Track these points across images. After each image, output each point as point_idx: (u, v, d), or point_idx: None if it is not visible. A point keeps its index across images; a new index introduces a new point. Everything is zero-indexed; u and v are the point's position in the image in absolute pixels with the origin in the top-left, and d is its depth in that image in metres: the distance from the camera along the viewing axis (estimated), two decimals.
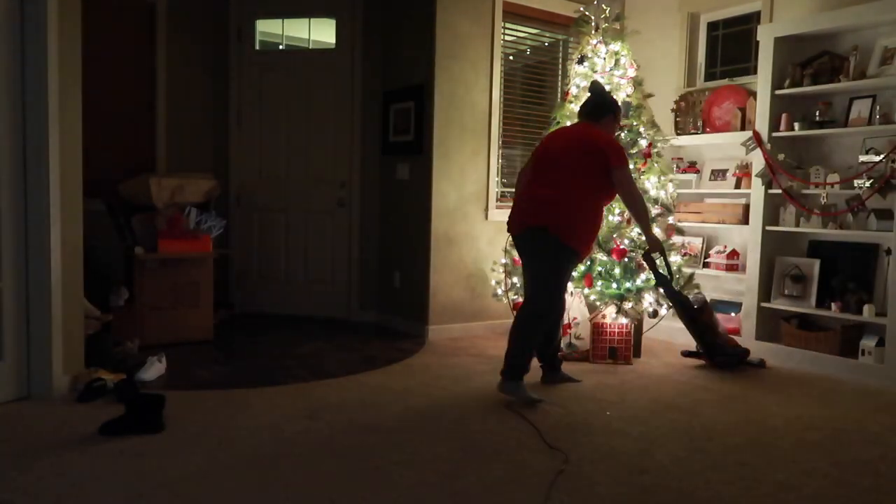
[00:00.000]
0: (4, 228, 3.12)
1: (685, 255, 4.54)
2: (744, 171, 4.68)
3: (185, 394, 3.36)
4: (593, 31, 4.47)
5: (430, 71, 4.78)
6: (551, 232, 3.34)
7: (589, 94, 3.75)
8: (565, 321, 4.34)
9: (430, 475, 2.48)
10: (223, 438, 2.78)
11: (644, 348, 4.51)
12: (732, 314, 4.66)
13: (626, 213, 4.19)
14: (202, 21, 5.34)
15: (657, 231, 4.23)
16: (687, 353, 4.31)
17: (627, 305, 4.15)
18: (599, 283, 4.17)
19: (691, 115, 5.09)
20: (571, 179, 3.42)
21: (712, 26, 5.22)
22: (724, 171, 4.90)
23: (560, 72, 5.51)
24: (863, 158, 4.04)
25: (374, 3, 5.26)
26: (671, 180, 4.44)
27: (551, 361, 3.76)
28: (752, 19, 4.90)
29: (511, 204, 3.80)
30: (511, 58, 5.31)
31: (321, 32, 5.65)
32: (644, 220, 3.51)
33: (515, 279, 4.47)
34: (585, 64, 4.44)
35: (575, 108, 4.42)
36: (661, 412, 3.27)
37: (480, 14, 4.92)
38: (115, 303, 4.24)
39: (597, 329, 4.23)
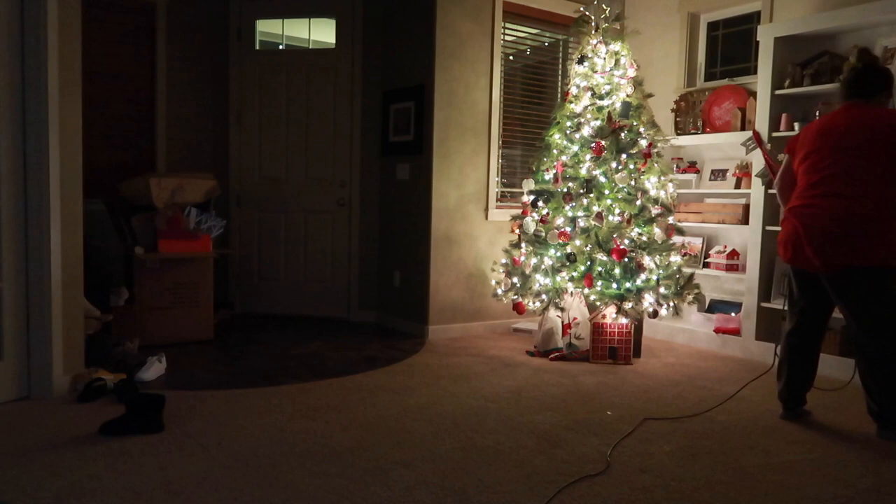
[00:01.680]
0: (4, 228, 3.12)
1: (685, 255, 4.54)
2: (744, 171, 4.68)
3: (185, 394, 3.36)
4: (593, 31, 4.47)
5: (430, 71, 4.78)
6: (883, 265, 2.88)
7: (855, 65, 3.08)
8: (565, 321, 4.35)
9: (430, 475, 2.48)
10: (223, 438, 2.78)
11: (644, 348, 4.51)
12: (732, 314, 4.66)
13: (627, 213, 4.19)
14: (202, 21, 5.34)
15: (657, 231, 4.23)
16: None
17: (627, 305, 4.15)
18: (599, 283, 4.17)
19: (691, 115, 5.09)
20: (881, 181, 2.89)
21: (712, 26, 5.22)
22: (724, 171, 4.90)
23: (560, 72, 5.51)
24: None
25: (374, 3, 5.26)
26: (671, 180, 4.44)
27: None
28: (752, 19, 4.90)
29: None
30: (511, 58, 5.31)
31: (321, 32, 5.65)
32: None
33: (515, 279, 4.47)
34: (585, 64, 4.44)
35: (575, 108, 4.43)
36: (661, 412, 3.27)
37: (480, 14, 4.93)
38: (115, 303, 4.24)
39: (597, 329, 4.23)
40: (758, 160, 4.45)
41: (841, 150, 2.96)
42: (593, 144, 4.27)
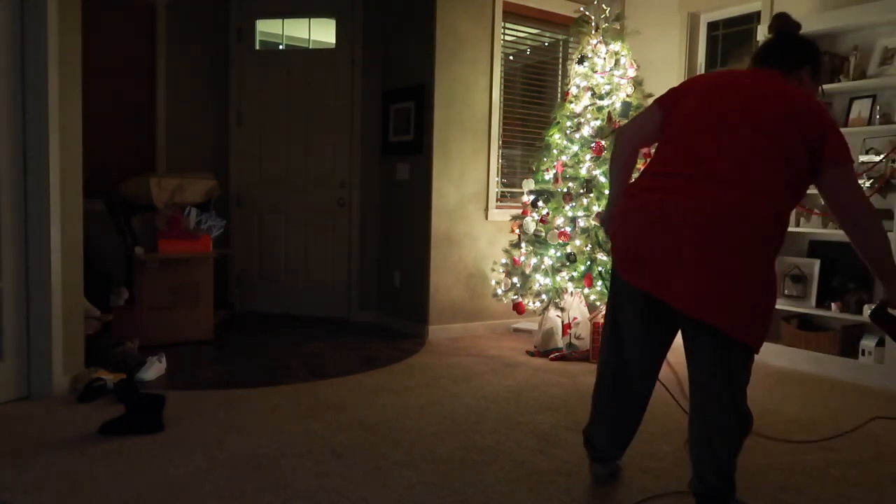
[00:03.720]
0: (4, 228, 3.12)
1: None
2: None
3: (185, 394, 3.36)
4: (593, 31, 4.47)
5: (430, 71, 4.78)
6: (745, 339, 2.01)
7: (771, 32, 2.33)
8: (565, 321, 4.35)
9: (430, 475, 2.48)
10: (223, 438, 2.78)
11: None
12: None
13: None
14: (202, 21, 5.34)
15: None
16: None
17: None
18: (599, 283, 4.17)
19: None
20: (772, 178, 2.01)
21: (712, 26, 5.22)
22: None
23: (560, 72, 5.51)
24: (863, 158, 4.03)
25: (374, 3, 5.26)
26: None
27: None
28: (752, 19, 4.90)
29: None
30: (511, 58, 5.31)
31: (321, 32, 5.65)
32: (887, 255, 2.05)
33: (515, 279, 4.47)
34: (585, 64, 4.44)
35: (575, 108, 4.43)
36: (661, 412, 3.27)
37: (480, 14, 4.92)
38: (115, 303, 4.24)
39: (597, 329, 4.23)
40: None
41: (733, 126, 2.07)
42: (593, 144, 4.27)
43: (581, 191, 4.27)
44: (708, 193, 2.00)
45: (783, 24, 2.29)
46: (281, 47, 5.66)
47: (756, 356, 2.10)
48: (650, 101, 4.47)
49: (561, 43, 5.51)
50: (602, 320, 4.21)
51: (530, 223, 4.38)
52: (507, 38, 5.21)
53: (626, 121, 4.28)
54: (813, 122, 2.03)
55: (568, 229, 4.23)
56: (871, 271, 2.10)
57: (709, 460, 2.14)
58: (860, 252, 2.07)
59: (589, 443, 2.45)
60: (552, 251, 4.28)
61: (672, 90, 2.29)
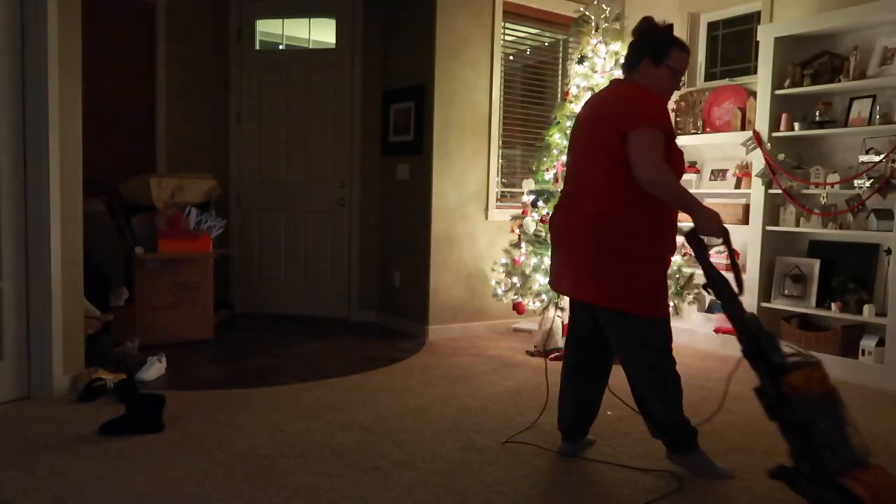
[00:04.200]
0: (4, 228, 3.12)
1: (685, 255, 4.53)
2: (744, 171, 4.68)
3: (185, 394, 3.36)
4: (593, 31, 4.46)
5: (430, 71, 4.78)
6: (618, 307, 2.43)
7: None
8: (565, 321, 4.35)
9: (430, 475, 2.48)
10: (223, 438, 2.78)
11: None
12: None
13: None
14: (202, 21, 5.34)
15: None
16: (778, 472, 2.17)
17: None
18: None
19: (691, 114, 5.09)
20: (608, 178, 2.42)
21: (712, 26, 5.22)
22: (724, 171, 4.90)
23: (560, 72, 5.51)
24: (863, 158, 4.03)
25: (374, 3, 5.26)
26: None
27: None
28: (752, 19, 4.90)
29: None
30: (511, 58, 5.31)
31: (321, 32, 5.65)
32: (680, 195, 2.36)
33: (515, 279, 4.47)
34: (585, 64, 4.44)
35: (575, 108, 4.43)
36: None
37: (480, 14, 4.92)
38: (115, 303, 4.24)
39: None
40: (758, 160, 4.45)
41: (578, 140, 2.57)
42: None
43: None
44: (569, 202, 2.55)
45: (635, 28, 2.62)
46: (281, 47, 5.66)
47: None
48: None
49: (561, 43, 5.51)
50: None
51: (530, 223, 4.38)
52: (507, 38, 5.21)
53: None
54: (619, 110, 2.41)
55: None
56: (682, 211, 2.43)
57: (647, 418, 2.58)
58: (666, 200, 2.39)
59: (558, 421, 2.74)
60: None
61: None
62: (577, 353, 2.67)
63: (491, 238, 5.08)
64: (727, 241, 2.42)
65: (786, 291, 4.34)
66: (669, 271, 4.22)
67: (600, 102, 2.57)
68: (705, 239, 2.46)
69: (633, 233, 2.40)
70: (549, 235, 2.63)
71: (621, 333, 2.47)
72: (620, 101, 2.46)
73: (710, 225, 2.37)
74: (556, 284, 2.61)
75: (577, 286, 2.50)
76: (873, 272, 4.09)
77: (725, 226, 2.39)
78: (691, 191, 4.94)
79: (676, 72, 2.54)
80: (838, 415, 2.03)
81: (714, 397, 3.54)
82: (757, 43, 4.51)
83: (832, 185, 4.12)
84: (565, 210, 2.56)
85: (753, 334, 2.19)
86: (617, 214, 2.39)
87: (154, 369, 3.63)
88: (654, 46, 2.52)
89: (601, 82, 4.38)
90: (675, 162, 2.45)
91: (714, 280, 2.37)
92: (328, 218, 5.43)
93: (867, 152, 4.03)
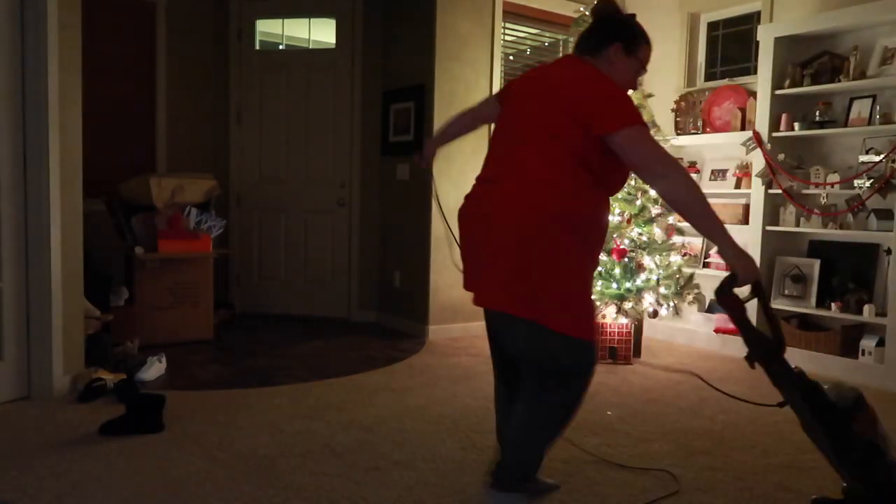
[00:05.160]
0: (4, 228, 3.12)
1: (685, 255, 4.54)
2: (744, 171, 4.68)
3: (185, 394, 3.36)
4: None
5: (430, 71, 4.78)
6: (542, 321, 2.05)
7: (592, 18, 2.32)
8: None
9: (430, 475, 2.48)
10: (223, 438, 2.78)
11: (644, 348, 4.51)
12: None
13: (627, 213, 4.18)
14: (202, 21, 5.34)
15: (657, 231, 4.22)
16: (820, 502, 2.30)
17: (627, 305, 4.15)
18: (599, 282, 4.17)
19: (691, 115, 5.09)
20: (560, 171, 2.03)
21: (712, 26, 5.22)
22: (724, 171, 4.90)
23: None
24: (863, 158, 4.03)
25: (374, 3, 5.26)
26: None
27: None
28: (752, 19, 4.90)
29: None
30: (511, 58, 5.31)
31: (321, 32, 5.65)
32: (707, 217, 1.97)
33: None
34: None
35: None
36: (662, 412, 3.27)
37: (480, 14, 4.92)
38: (115, 303, 4.24)
39: (597, 329, 4.23)
40: (758, 160, 4.45)
41: (516, 120, 2.15)
42: None
43: None
44: (500, 192, 2.07)
45: (600, 9, 2.24)
46: (281, 47, 5.66)
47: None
48: (650, 100, 4.51)
49: (561, 43, 5.51)
50: (602, 320, 4.22)
51: None
52: (507, 38, 5.21)
53: None
54: (578, 97, 2.02)
55: None
56: (707, 238, 2.03)
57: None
58: (689, 221, 1.99)
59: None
60: None
61: (505, 87, 2.35)
62: (509, 379, 2.33)
63: None
64: (760, 289, 2.01)
65: (786, 291, 4.34)
66: (669, 271, 4.24)
67: (553, 83, 2.11)
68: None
69: (587, 242, 2.07)
70: (458, 226, 2.22)
71: (542, 353, 2.10)
72: (588, 88, 2.04)
73: (751, 271, 1.93)
74: (481, 292, 2.15)
75: (515, 297, 2.02)
76: (873, 272, 4.09)
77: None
78: None
79: (642, 67, 2.22)
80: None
81: (714, 397, 3.54)
82: (757, 43, 4.51)
83: (832, 185, 4.12)
84: (494, 199, 2.09)
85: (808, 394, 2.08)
86: (578, 218, 2.02)
87: (154, 369, 3.63)
88: (628, 32, 2.17)
89: None
90: (620, 175, 2.13)
91: (756, 345, 2.04)
92: (328, 218, 5.43)
93: (867, 152, 4.03)
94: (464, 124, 2.59)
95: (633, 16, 2.24)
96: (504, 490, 2.20)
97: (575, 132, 2.00)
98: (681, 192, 1.95)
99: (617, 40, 2.15)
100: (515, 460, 2.20)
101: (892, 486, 2.02)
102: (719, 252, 1.97)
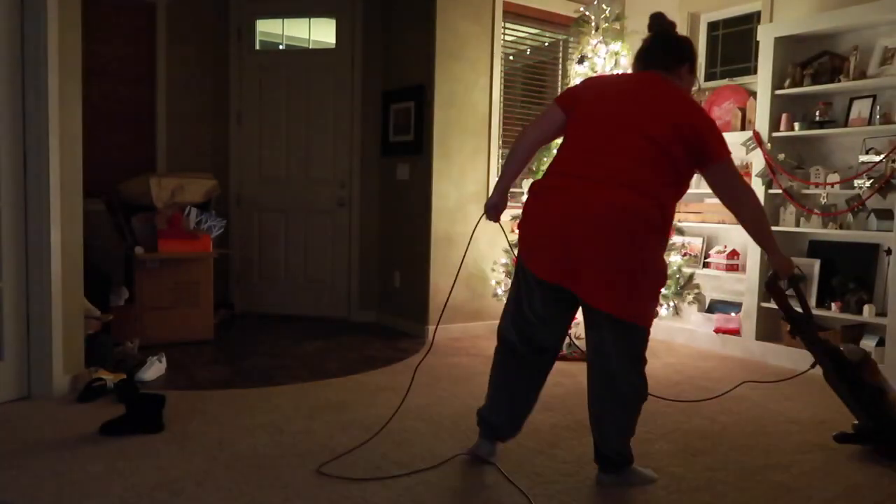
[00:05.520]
0: (4, 228, 3.12)
1: (685, 255, 4.54)
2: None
3: (185, 394, 3.36)
4: (593, 31, 4.46)
5: (430, 71, 4.78)
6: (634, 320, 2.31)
7: (650, 32, 2.49)
8: None
9: (431, 475, 2.48)
10: (223, 438, 2.78)
11: None
12: (732, 314, 4.66)
13: None
14: (202, 21, 5.34)
15: None
16: (842, 438, 2.88)
17: None
18: None
19: None
20: (656, 178, 2.23)
21: (712, 26, 5.22)
22: None
23: (560, 72, 5.51)
24: (863, 158, 4.04)
25: (374, 3, 5.26)
26: None
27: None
28: (752, 19, 4.90)
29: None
30: (511, 58, 5.30)
31: (321, 32, 5.65)
32: (767, 233, 2.40)
33: None
34: (585, 64, 4.44)
35: None
36: (662, 412, 3.27)
37: (480, 14, 4.92)
38: (115, 303, 4.24)
39: None
40: (758, 160, 4.45)
41: (623, 130, 2.26)
42: None
43: None
44: (602, 194, 2.20)
45: (660, 24, 2.46)
46: (281, 47, 5.66)
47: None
48: None
49: (561, 43, 5.51)
50: None
51: None
52: (507, 37, 5.21)
53: None
54: (691, 123, 2.23)
55: None
56: (760, 247, 2.49)
57: (610, 427, 2.39)
58: (751, 234, 2.41)
59: (484, 421, 2.60)
60: None
61: (570, 91, 2.48)
62: (530, 363, 2.50)
63: (491, 238, 5.07)
64: (795, 281, 2.66)
65: (786, 291, 4.34)
66: (670, 271, 4.24)
67: (656, 94, 2.30)
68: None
69: (664, 241, 2.34)
70: (544, 220, 2.31)
71: (621, 342, 2.32)
72: (688, 114, 2.24)
73: (788, 270, 2.54)
74: (583, 290, 2.26)
75: (619, 299, 2.22)
76: (873, 272, 4.09)
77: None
78: (692, 191, 5.00)
79: (694, 87, 2.58)
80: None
81: (712, 398, 3.54)
82: (757, 43, 4.51)
83: (832, 185, 4.12)
84: (596, 199, 2.19)
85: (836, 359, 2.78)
86: (667, 223, 2.27)
87: (154, 369, 3.63)
88: (692, 54, 2.45)
89: None
90: (686, 188, 2.38)
91: (795, 321, 2.75)
92: (328, 218, 5.43)
93: (867, 152, 4.03)
94: (524, 158, 2.52)
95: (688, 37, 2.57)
96: (614, 472, 2.43)
97: (677, 147, 2.21)
98: (757, 217, 2.34)
99: (686, 61, 2.42)
100: (620, 441, 2.42)
101: (892, 420, 2.71)
102: (769, 258, 2.51)
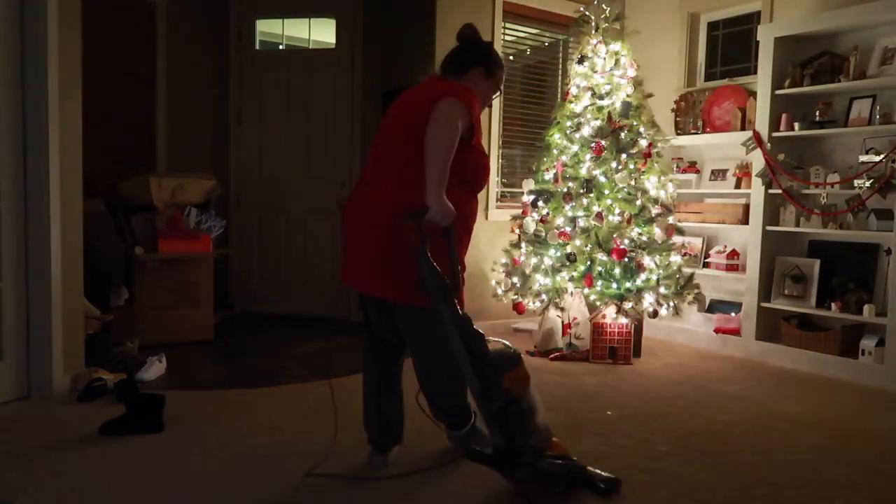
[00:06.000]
0: (4, 228, 3.12)
1: (685, 255, 4.54)
2: (744, 171, 4.68)
3: (185, 394, 3.36)
4: (593, 31, 4.46)
5: (430, 71, 4.78)
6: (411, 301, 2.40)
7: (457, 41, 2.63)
8: (565, 321, 4.35)
9: (431, 475, 2.48)
10: (223, 438, 2.78)
11: (644, 348, 4.51)
12: (732, 314, 4.66)
13: (627, 213, 4.18)
14: (202, 21, 5.34)
15: (657, 231, 4.22)
16: (473, 455, 2.34)
17: (627, 305, 4.15)
18: (599, 283, 4.17)
19: (691, 115, 5.09)
20: (402, 162, 2.32)
21: (712, 26, 5.22)
22: (724, 171, 4.90)
23: (560, 72, 5.51)
24: (863, 158, 4.03)
25: (374, 3, 5.26)
26: (671, 180, 4.44)
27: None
28: (752, 19, 4.90)
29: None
30: (511, 58, 5.30)
31: (321, 32, 5.65)
32: (438, 168, 2.15)
33: (515, 279, 4.47)
34: (585, 64, 4.44)
35: (575, 108, 4.43)
36: (661, 412, 3.27)
37: (480, 14, 4.92)
38: (115, 303, 4.24)
39: (597, 329, 4.23)
40: (758, 160, 4.45)
41: (383, 131, 2.43)
42: (593, 144, 4.27)
43: (581, 191, 4.27)
44: (363, 193, 2.38)
45: (463, 33, 2.56)
46: (281, 47, 5.66)
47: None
48: (650, 100, 4.51)
49: (561, 43, 5.51)
50: (602, 321, 4.22)
51: (530, 223, 4.38)
52: (507, 38, 5.21)
53: (626, 121, 4.29)
54: (433, 99, 2.20)
55: (568, 229, 4.23)
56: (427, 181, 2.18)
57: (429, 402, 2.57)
58: (427, 166, 2.17)
59: (370, 436, 2.62)
60: (552, 251, 4.27)
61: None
62: (379, 360, 2.63)
63: (491, 238, 5.08)
64: (449, 234, 2.31)
65: (786, 291, 4.34)
66: (669, 271, 4.24)
67: (413, 94, 2.41)
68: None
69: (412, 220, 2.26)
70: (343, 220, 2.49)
71: (405, 324, 2.44)
72: (433, 94, 2.26)
73: (447, 218, 2.20)
74: (346, 276, 2.45)
75: (364, 278, 2.40)
76: (873, 272, 4.09)
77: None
78: (692, 191, 5.00)
79: (497, 89, 2.61)
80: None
81: (713, 397, 3.54)
82: (757, 43, 4.50)
83: (832, 185, 4.12)
84: (358, 199, 2.40)
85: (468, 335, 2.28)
86: (405, 204, 2.23)
87: (154, 369, 3.63)
88: (489, 57, 2.53)
89: (601, 82, 4.39)
90: (475, 163, 2.34)
91: (429, 275, 2.22)
92: (328, 218, 5.43)
93: (867, 152, 4.03)
94: None
95: (491, 42, 2.57)
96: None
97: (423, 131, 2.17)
98: (438, 141, 2.14)
99: (479, 64, 2.49)
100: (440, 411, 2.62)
101: (515, 447, 2.20)
102: (427, 195, 2.16)
